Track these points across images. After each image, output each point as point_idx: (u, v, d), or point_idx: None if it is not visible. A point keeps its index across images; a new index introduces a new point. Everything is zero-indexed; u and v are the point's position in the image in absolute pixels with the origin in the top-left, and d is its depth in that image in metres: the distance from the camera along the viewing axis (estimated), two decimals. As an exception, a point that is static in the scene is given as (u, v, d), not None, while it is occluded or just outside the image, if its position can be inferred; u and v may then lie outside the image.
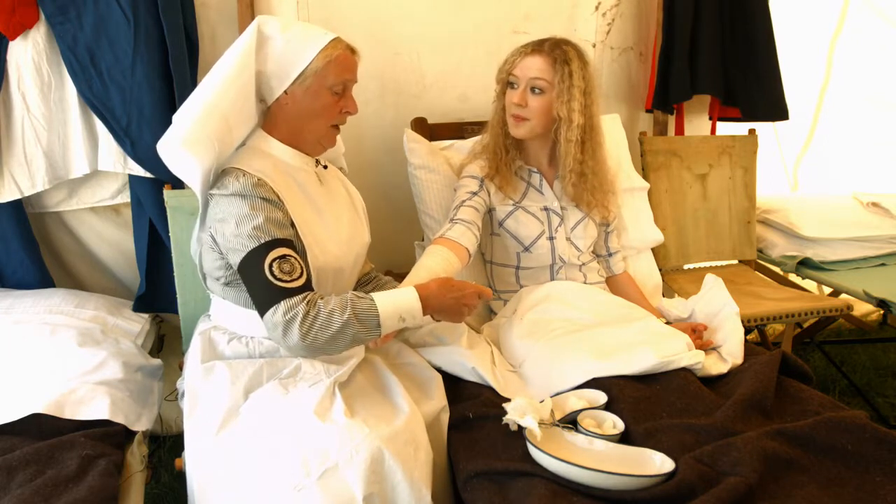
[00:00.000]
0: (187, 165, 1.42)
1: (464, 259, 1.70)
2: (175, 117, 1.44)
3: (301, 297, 1.32)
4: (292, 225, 1.45)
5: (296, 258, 1.37)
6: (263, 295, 1.34)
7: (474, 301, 1.49)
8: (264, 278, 1.33)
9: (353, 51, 1.52)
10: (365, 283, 1.78)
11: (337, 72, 1.47)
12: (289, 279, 1.33)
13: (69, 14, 1.80)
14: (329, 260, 1.51)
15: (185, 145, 1.39)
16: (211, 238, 1.47)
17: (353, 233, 1.62)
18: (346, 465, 1.22)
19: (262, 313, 1.34)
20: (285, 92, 1.48)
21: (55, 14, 1.80)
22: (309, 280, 1.38)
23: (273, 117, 1.53)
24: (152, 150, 1.85)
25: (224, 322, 1.57)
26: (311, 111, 1.49)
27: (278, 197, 1.43)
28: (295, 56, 1.45)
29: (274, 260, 1.34)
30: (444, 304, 1.45)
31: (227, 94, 1.42)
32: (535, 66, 1.76)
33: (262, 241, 1.35)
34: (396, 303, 1.38)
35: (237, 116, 1.46)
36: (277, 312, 1.31)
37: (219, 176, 1.46)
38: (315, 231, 1.50)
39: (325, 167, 1.64)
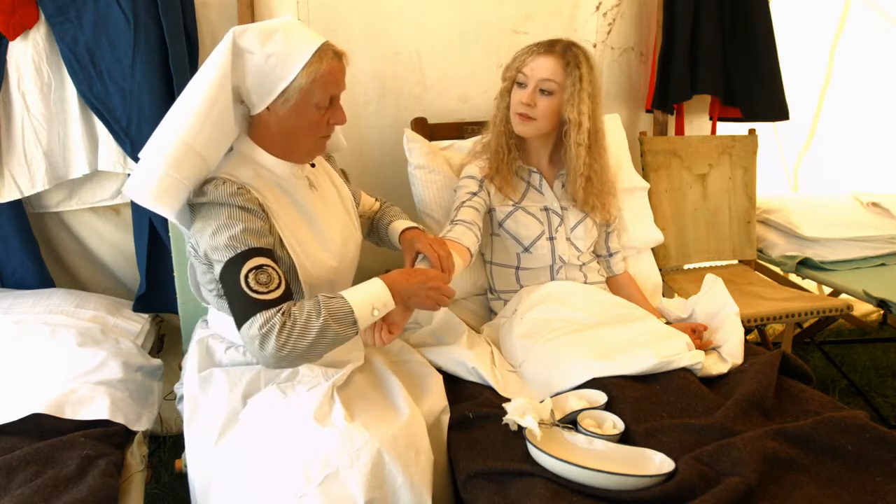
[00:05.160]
0: (160, 211, 1.36)
1: (466, 259, 1.69)
2: (144, 158, 1.35)
3: (276, 308, 1.26)
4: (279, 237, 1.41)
5: (273, 268, 1.31)
6: (240, 307, 1.28)
7: (440, 283, 1.44)
8: (240, 290, 1.27)
9: (340, 57, 1.42)
10: (378, 219, 1.79)
11: (323, 87, 1.39)
12: (265, 290, 1.27)
13: (69, 14, 1.80)
14: (322, 272, 1.48)
15: (155, 199, 1.33)
16: (193, 249, 1.44)
17: (347, 237, 1.58)
18: (346, 471, 1.21)
19: (238, 326, 1.28)
20: (267, 108, 1.40)
21: (55, 14, 1.80)
22: (288, 290, 1.31)
23: (257, 127, 1.45)
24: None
25: (221, 331, 1.56)
26: (295, 128, 1.42)
27: (261, 207, 1.38)
28: (276, 73, 1.35)
29: (250, 271, 1.28)
30: (410, 289, 1.40)
31: (202, 131, 1.34)
32: (546, 67, 1.74)
33: (239, 251, 1.29)
34: (367, 295, 1.33)
35: (214, 146, 1.39)
36: (254, 326, 1.25)
37: (201, 184, 1.38)
38: (306, 244, 1.46)
39: (314, 165, 1.58)
